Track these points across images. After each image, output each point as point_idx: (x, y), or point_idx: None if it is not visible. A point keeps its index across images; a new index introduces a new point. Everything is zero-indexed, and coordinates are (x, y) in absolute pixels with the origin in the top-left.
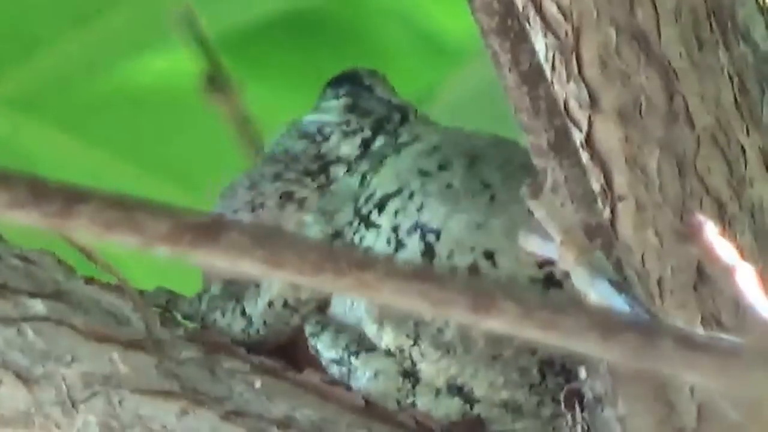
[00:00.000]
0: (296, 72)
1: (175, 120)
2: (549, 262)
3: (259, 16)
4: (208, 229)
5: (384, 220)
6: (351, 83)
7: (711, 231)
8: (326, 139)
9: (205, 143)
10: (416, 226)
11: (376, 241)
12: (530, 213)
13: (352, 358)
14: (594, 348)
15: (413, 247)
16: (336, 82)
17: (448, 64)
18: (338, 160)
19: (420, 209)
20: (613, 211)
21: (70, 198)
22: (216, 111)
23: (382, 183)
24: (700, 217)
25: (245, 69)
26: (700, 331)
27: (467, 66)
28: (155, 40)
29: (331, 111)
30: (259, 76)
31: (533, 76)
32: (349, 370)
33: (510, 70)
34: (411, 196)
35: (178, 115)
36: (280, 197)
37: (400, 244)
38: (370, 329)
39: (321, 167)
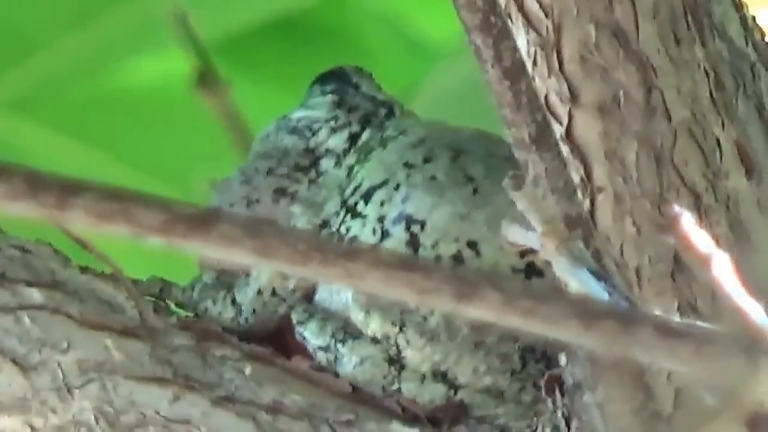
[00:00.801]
0: (285, 73)
1: (169, 120)
2: (530, 252)
3: (249, 20)
4: (201, 221)
5: (370, 211)
6: (337, 80)
7: (688, 221)
8: (315, 134)
9: (197, 143)
10: (401, 217)
11: (362, 230)
12: (513, 204)
13: (339, 346)
14: (574, 335)
15: (398, 236)
16: (323, 80)
17: (429, 65)
18: (327, 153)
19: (405, 200)
20: (592, 203)
21: (66, 190)
22: (208, 111)
23: (368, 175)
24: (677, 208)
25: (236, 70)
26: (677, 318)
27: (446, 66)
28: (149, 43)
29: (319, 107)
30: (249, 77)
31: (515, 72)
32: (336, 357)
33: (493, 65)
34: (397, 187)
35: (172, 115)
36: (274, 192)
37: (385, 234)
38: (357, 317)
39: (312, 162)
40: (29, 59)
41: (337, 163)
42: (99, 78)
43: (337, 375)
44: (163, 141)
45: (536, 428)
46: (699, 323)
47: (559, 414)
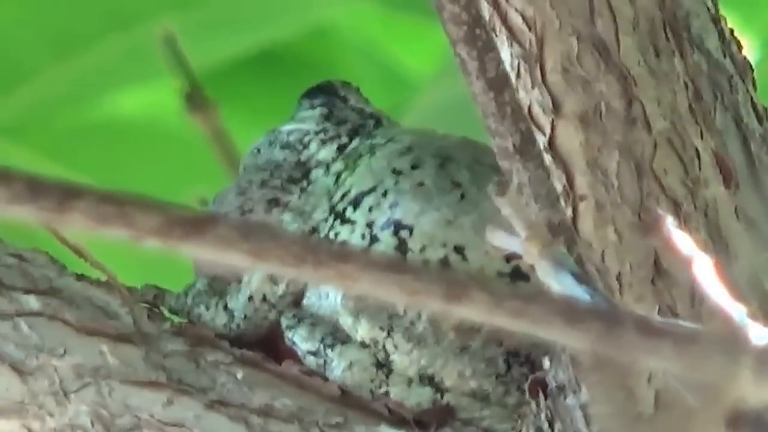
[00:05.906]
0: (268, 103)
1: (157, 149)
2: (516, 257)
3: (233, 53)
4: (197, 224)
5: (359, 216)
6: (326, 94)
7: (669, 224)
8: (306, 147)
9: (185, 172)
10: (390, 222)
11: (351, 236)
12: (498, 210)
13: (328, 350)
14: (560, 335)
15: (387, 241)
16: (311, 94)
17: (407, 94)
18: (318, 164)
19: (394, 206)
20: (574, 210)
21: (65, 194)
22: (196, 140)
23: (357, 181)
24: (659, 212)
25: (219, 101)
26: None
27: (425, 93)
28: (138, 72)
29: (308, 120)
30: (233, 108)
31: (499, 83)
32: (325, 362)
33: (477, 77)
34: (385, 193)
35: (160, 144)
36: (267, 203)
37: (374, 239)
38: (346, 322)
39: (303, 174)
40: (20, 86)
41: (326, 172)
42: (88, 106)
43: (326, 379)
44: (152, 169)
45: (520, 430)
46: (681, 323)
47: (543, 416)
